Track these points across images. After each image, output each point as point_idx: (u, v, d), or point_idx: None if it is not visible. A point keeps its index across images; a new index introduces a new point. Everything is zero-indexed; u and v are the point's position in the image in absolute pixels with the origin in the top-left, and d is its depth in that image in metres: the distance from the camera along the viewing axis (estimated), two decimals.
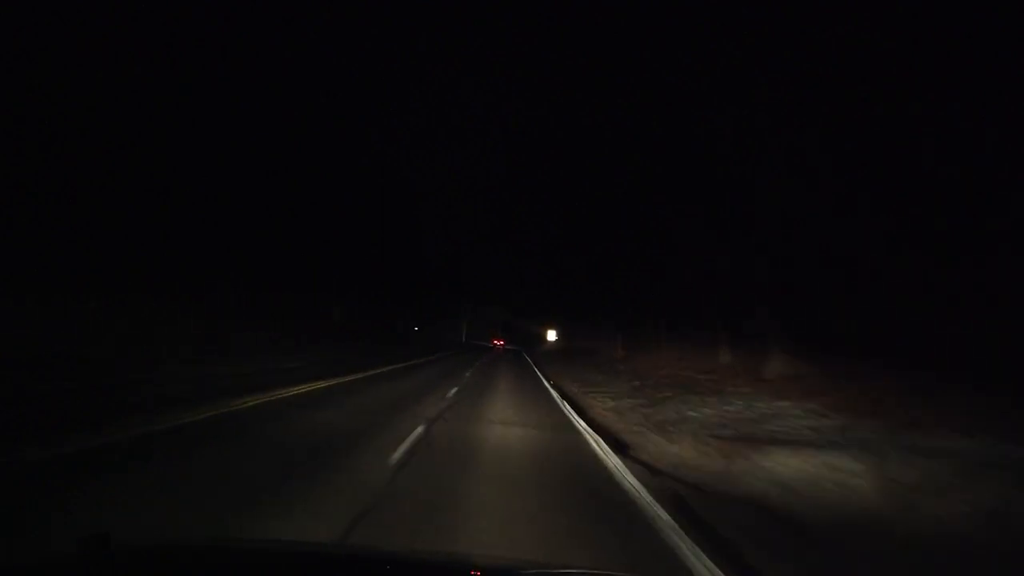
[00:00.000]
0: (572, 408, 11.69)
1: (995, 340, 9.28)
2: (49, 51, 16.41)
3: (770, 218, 14.38)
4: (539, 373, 22.72)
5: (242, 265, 25.31)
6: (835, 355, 12.45)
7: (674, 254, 20.01)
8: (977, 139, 10.37)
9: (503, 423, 8.77)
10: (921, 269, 11.18)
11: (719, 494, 5.19)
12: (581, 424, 9.42)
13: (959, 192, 10.56)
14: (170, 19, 20.40)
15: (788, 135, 13.72)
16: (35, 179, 16.24)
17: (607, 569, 3.27)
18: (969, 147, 10.49)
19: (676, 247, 19.62)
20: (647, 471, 6.05)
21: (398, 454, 5.85)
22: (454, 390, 13.04)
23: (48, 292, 15.08)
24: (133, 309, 17.58)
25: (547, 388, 16.40)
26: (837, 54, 12.26)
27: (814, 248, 13.38)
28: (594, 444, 7.57)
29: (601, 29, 20.68)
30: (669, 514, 4.38)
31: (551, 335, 51.14)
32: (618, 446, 7.50)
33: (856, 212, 12.54)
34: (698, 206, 17.42)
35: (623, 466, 6.16)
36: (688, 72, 16.36)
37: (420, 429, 7.39)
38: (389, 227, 47.41)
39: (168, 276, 20.28)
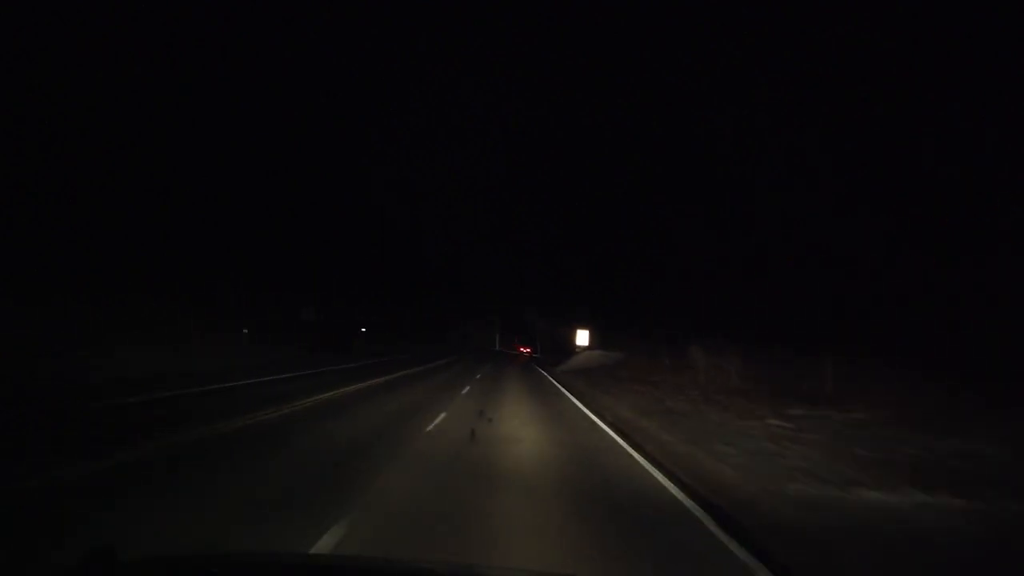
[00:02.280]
0: None
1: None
2: (49, 51, 16.41)
3: (770, 218, 14.37)
4: None
5: (242, 265, 25.32)
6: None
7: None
8: (977, 139, 10.35)
9: None
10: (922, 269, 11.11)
11: None
12: None
13: (959, 192, 10.53)
14: (170, 19, 20.42)
15: (788, 135, 13.71)
16: (35, 179, 16.23)
17: None
18: (969, 147, 10.46)
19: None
20: None
21: None
22: None
23: (48, 292, 15.06)
24: (133, 309, 17.56)
25: None
26: (837, 54, 12.26)
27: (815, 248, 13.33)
28: None
29: (601, 29, 20.71)
30: None
31: (581, 337, 34.50)
32: None
33: (856, 212, 12.50)
34: (699, 206, 17.42)
35: None
36: (688, 72, 16.40)
37: None
38: (389, 227, 47.41)
39: (168, 276, 20.26)
